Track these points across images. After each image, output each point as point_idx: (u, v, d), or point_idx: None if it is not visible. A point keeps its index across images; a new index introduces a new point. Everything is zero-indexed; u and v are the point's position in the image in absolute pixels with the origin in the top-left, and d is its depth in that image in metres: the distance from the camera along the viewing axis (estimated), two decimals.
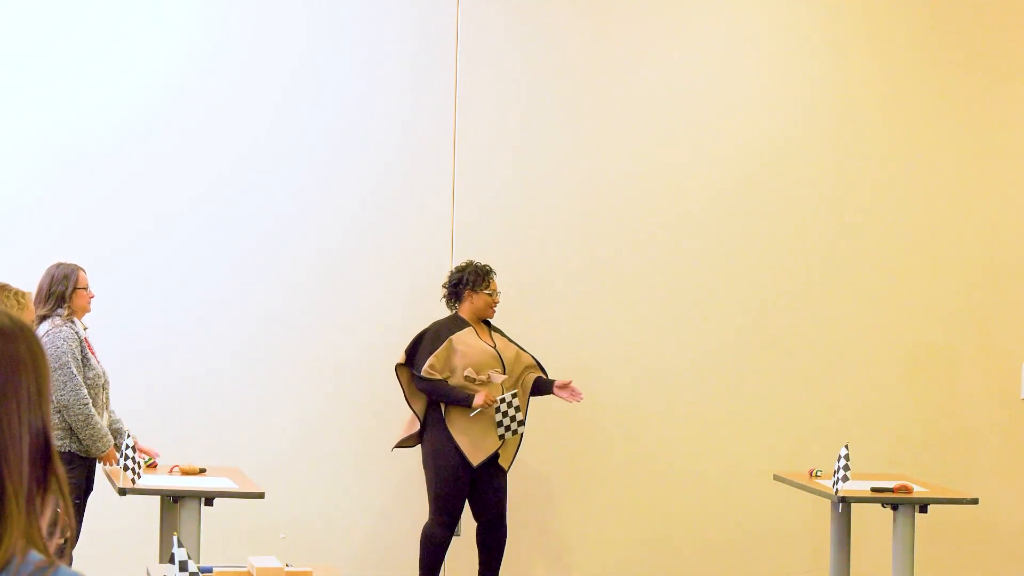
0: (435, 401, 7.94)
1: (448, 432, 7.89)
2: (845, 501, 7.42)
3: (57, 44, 8.35)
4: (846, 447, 7.44)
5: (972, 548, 9.06)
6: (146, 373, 8.28)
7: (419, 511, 8.61)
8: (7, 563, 1.84)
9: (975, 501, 7.62)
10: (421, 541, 8.04)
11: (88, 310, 7.22)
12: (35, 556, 1.87)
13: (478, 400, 7.80)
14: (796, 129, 8.98)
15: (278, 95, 8.53)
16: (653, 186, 8.84)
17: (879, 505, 7.66)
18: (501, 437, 7.91)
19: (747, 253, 8.87)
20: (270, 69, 8.52)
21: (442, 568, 8.13)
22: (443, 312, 8.42)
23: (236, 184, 8.49)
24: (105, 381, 7.20)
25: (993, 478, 9.00)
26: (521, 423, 7.94)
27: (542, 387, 8.10)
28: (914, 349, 9.05)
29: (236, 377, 8.43)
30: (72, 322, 7.09)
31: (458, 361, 7.91)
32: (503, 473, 8.04)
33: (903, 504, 7.43)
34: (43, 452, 1.92)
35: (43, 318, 7.06)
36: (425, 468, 8.02)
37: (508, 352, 8.04)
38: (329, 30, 8.57)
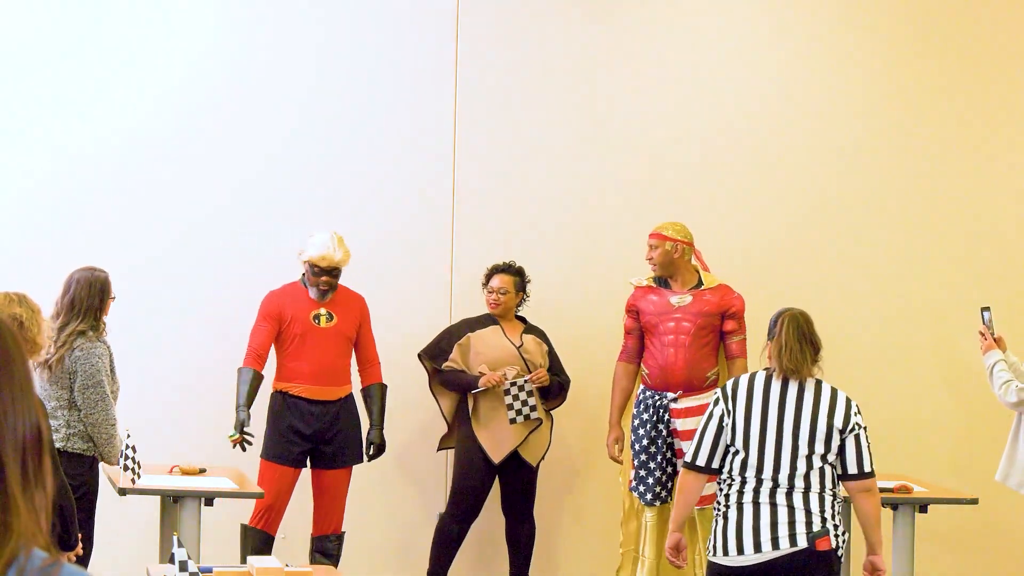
0: (464, 397, 8.08)
1: (471, 427, 8.04)
2: (845, 501, 7.41)
3: (81, 65, 8.39)
4: None
5: (972, 548, 9.06)
6: (147, 372, 8.27)
7: (418, 510, 8.61)
8: (15, 558, 1.83)
9: (975, 501, 7.62)
10: (433, 535, 8.12)
11: (107, 314, 7.06)
12: (40, 553, 1.87)
13: (482, 380, 7.95)
14: (799, 131, 8.98)
15: (277, 102, 8.55)
16: (655, 187, 8.83)
17: None
18: (512, 421, 7.97)
19: (749, 254, 8.87)
20: (273, 77, 8.54)
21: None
22: (443, 313, 8.47)
23: (230, 189, 8.50)
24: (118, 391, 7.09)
25: (992, 478, 8.98)
26: (533, 408, 7.98)
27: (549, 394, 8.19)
28: (913, 349, 9.05)
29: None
30: (103, 335, 6.94)
31: (473, 359, 8.06)
32: (530, 468, 8.11)
33: (903, 504, 7.43)
34: (37, 444, 1.93)
35: (79, 333, 6.78)
36: (454, 463, 8.21)
37: (535, 357, 8.11)
38: (329, 38, 8.59)
